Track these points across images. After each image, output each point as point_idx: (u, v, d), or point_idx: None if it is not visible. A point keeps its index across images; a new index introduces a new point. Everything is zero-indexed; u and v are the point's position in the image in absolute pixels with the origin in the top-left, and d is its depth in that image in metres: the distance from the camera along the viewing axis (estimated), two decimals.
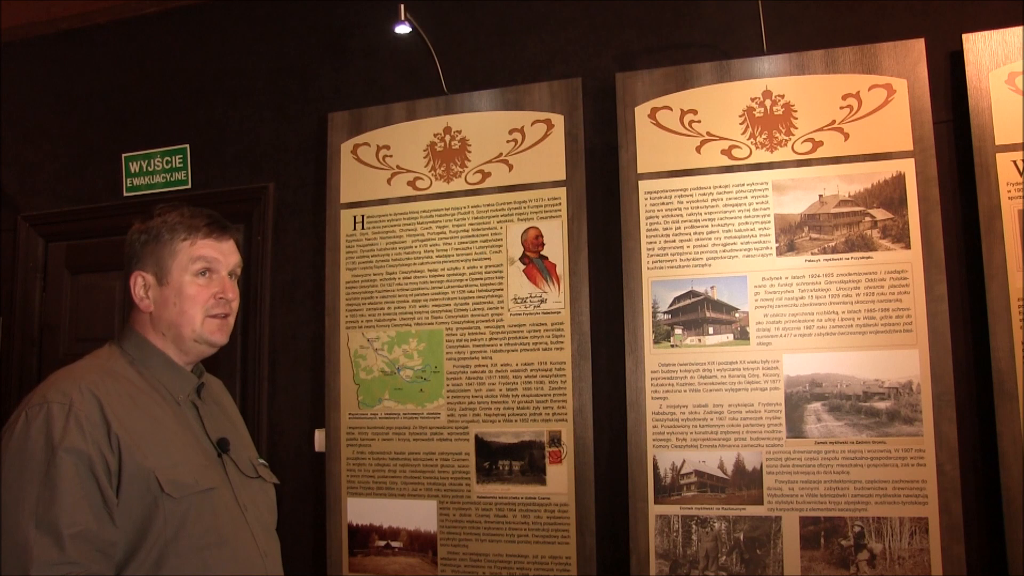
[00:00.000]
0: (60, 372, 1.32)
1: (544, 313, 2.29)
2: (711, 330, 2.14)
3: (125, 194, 2.89)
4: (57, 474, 1.16)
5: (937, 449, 1.96)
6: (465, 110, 2.45)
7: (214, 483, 1.31)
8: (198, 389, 1.43)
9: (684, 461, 2.12)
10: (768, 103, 2.16)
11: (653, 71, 2.26)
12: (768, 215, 2.13)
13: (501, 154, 2.39)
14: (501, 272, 2.35)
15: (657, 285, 2.19)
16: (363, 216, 2.50)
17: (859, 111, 2.10)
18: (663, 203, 2.21)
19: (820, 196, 2.11)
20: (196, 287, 1.37)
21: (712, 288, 2.15)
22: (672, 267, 2.19)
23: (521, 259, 2.33)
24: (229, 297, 1.40)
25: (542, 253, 2.32)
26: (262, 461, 1.50)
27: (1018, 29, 2.01)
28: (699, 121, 2.21)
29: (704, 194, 2.18)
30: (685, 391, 2.14)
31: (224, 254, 1.41)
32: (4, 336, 2.99)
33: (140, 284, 1.37)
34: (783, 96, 2.16)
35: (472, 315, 2.36)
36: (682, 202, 2.20)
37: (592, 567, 2.17)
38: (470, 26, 2.56)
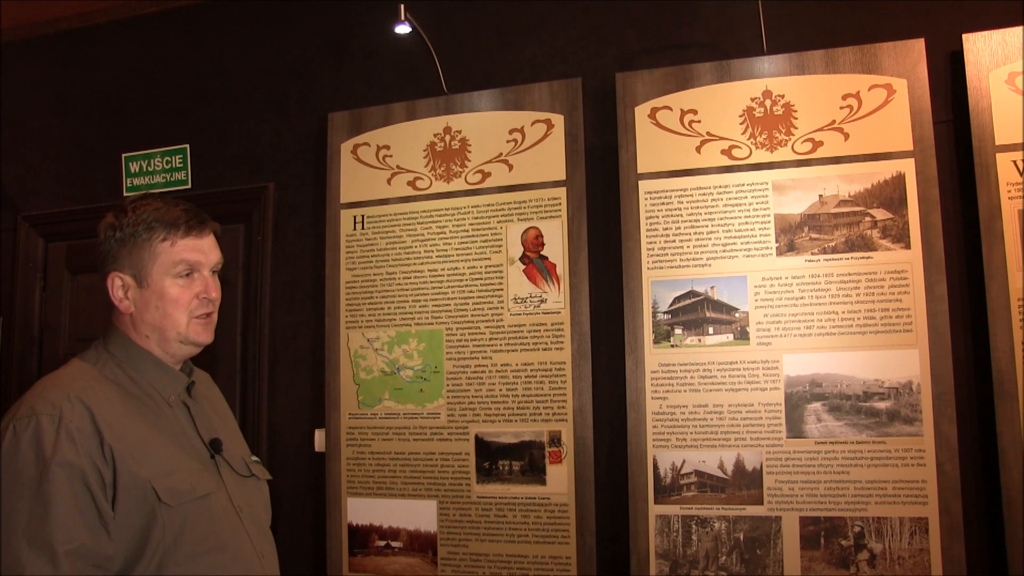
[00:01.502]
0: (46, 380, 1.28)
1: (544, 313, 2.29)
2: (711, 330, 2.14)
3: (125, 194, 2.88)
4: (50, 490, 1.13)
5: (937, 449, 1.96)
6: (465, 110, 2.44)
7: (210, 488, 1.29)
8: (188, 388, 1.39)
9: (684, 461, 2.12)
10: (768, 103, 2.16)
11: (653, 71, 2.26)
12: (768, 215, 2.13)
13: (501, 154, 2.39)
14: (501, 272, 2.35)
15: (657, 285, 2.19)
16: (363, 216, 2.50)
17: (859, 111, 2.10)
18: (663, 203, 2.21)
19: (820, 196, 2.10)
20: (178, 289, 1.32)
21: (712, 288, 2.15)
22: (672, 267, 2.19)
23: (521, 259, 2.33)
24: (212, 297, 1.35)
25: (542, 253, 2.32)
26: (255, 458, 1.48)
27: (1018, 29, 2.01)
28: (699, 121, 2.21)
29: (704, 194, 2.18)
30: (685, 391, 2.14)
31: (205, 252, 1.35)
32: (4, 336, 2.99)
33: (118, 285, 1.32)
34: (783, 96, 2.16)
35: (472, 315, 2.36)
36: (682, 202, 2.20)
37: (592, 567, 2.17)
38: (470, 26, 2.56)
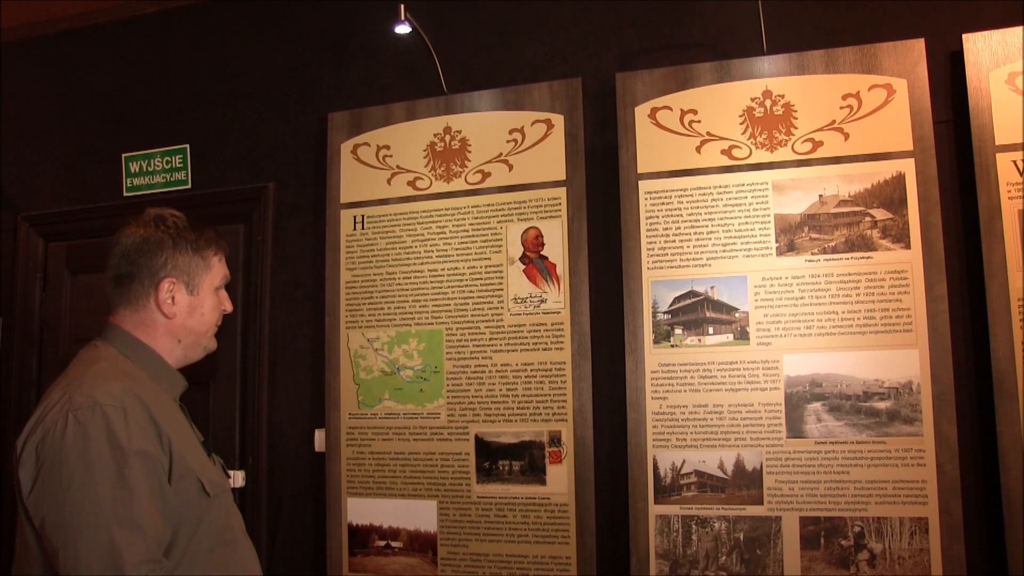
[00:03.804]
0: (87, 371, 1.31)
1: (544, 313, 2.29)
2: (711, 330, 2.14)
3: (125, 194, 2.89)
4: (132, 476, 1.19)
5: (937, 449, 1.96)
6: (465, 110, 2.44)
7: (228, 483, 1.40)
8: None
9: (684, 461, 2.12)
10: (768, 103, 2.16)
11: (653, 71, 2.26)
12: (768, 215, 2.13)
13: (501, 154, 2.39)
14: (501, 272, 2.35)
15: (657, 285, 2.19)
16: (363, 216, 2.50)
17: (859, 111, 2.10)
18: (663, 203, 2.21)
19: (820, 196, 2.10)
20: (217, 300, 1.48)
21: (712, 288, 2.15)
22: (672, 267, 2.19)
23: (521, 259, 2.33)
24: (230, 311, 1.53)
25: (542, 253, 2.32)
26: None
27: (1018, 29, 2.01)
28: (699, 121, 2.21)
29: (704, 194, 2.18)
30: (685, 391, 2.14)
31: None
32: (4, 336, 2.99)
33: (167, 290, 1.40)
34: (783, 96, 2.16)
35: (472, 315, 2.35)
36: (682, 202, 2.20)
37: (592, 567, 2.17)
38: (470, 26, 2.56)
